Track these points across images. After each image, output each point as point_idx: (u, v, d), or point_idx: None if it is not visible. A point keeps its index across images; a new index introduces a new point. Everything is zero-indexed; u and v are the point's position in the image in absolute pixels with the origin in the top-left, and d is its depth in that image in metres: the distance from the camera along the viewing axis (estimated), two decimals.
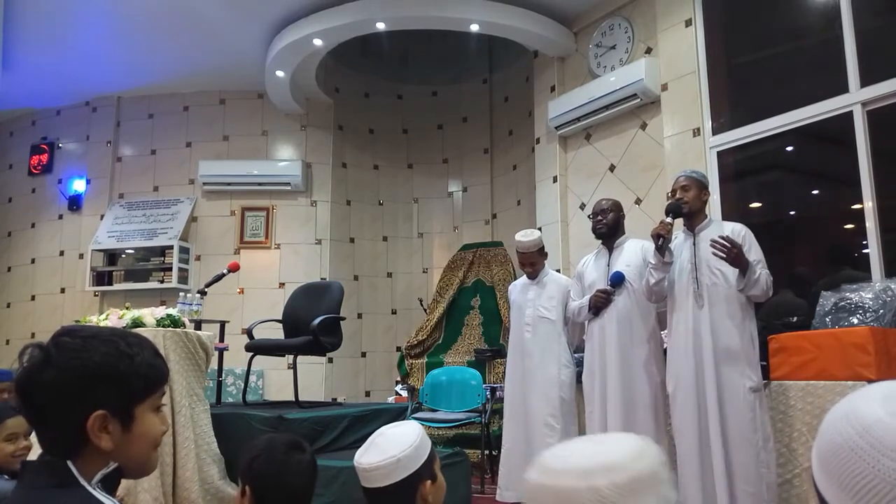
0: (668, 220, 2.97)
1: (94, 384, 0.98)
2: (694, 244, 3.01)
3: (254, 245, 6.81)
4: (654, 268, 3.01)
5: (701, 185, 3.05)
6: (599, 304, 3.35)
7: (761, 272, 2.80)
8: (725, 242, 2.76)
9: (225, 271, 4.24)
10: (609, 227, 3.44)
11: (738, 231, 2.95)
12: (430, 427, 4.76)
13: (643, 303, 3.29)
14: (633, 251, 3.39)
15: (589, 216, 3.61)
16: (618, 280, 3.31)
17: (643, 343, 3.27)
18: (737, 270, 2.83)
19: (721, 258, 2.80)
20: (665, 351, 3.19)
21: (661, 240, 2.94)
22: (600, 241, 3.54)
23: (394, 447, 1.52)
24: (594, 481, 0.70)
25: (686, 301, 2.97)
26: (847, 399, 0.71)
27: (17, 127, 7.73)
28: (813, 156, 4.47)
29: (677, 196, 3.05)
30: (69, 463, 0.97)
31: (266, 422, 3.34)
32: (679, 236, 3.12)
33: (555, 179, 5.64)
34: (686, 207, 3.01)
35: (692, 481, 2.87)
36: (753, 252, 2.89)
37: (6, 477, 2.09)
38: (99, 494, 0.96)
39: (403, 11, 5.33)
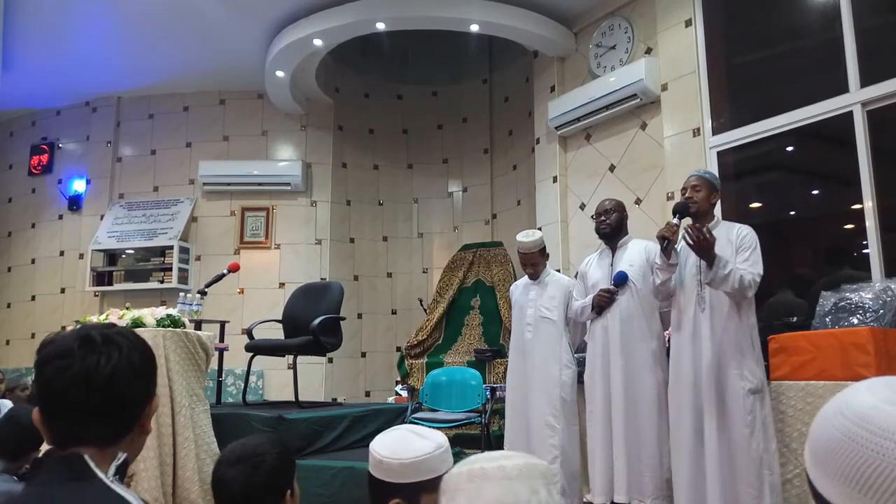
0: (675, 221, 2.94)
1: (154, 366, 1.08)
2: None
3: (254, 245, 6.81)
4: (660, 269, 3.01)
5: (712, 187, 3.00)
6: (602, 303, 3.35)
7: (733, 270, 2.73)
8: (697, 232, 2.73)
9: (225, 271, 4.24)
10: (613, 228, 3.44)
11: (740, 232, 2.92)
12: (430, 427, 4.76)
13: (646, 302, 3.29)
14: (637, 251, 3.39)
15: (592, 216, 3.61)
16: (621, 280, 3.32)
17: (646, 343, 3.27)
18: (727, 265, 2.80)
19: (688, 244, 2.78)
20: (668, 350, 3.19)
21: (667, 242, 2.92)
22: (603, 241, 3.54)
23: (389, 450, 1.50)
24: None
25: (689, 303, 2.96)
26: (833, 400, 0.70)
27: (17, 127, 7.73)
28: (813, 156, 4.47)
29: (686, 195, 3.01)
30: (86, 457, 0.98)
31: (266, 422, 3.34)
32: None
33: (555, 179, 5.64)
34: (694, 208, 2.96)
35: (684, 481, 2.89)
36: (748, 253, 2.85)
37: (15, 478, 2.08)
38: (117, 487, 0.98)
39: (403, 11, 5.33)
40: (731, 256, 2.83)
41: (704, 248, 2.73)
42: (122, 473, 1.03)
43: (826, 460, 0.66)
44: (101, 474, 0.98)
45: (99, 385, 0.97)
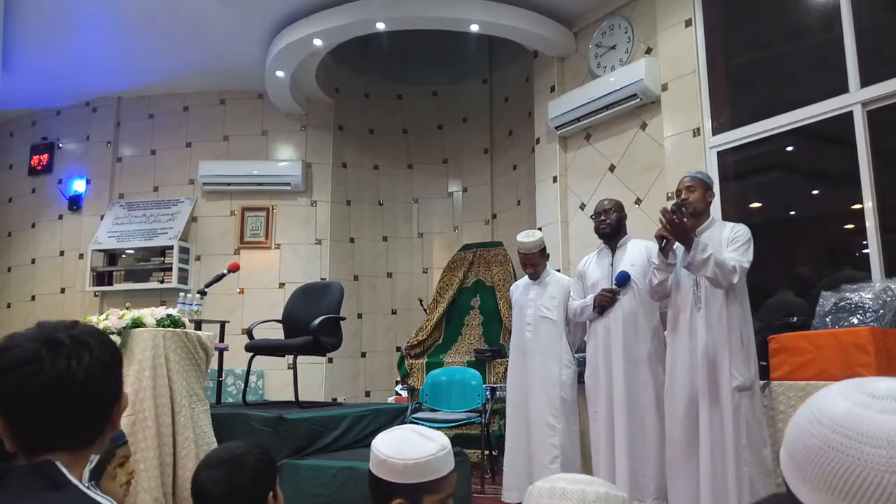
0: None
1: (122, 362, 1.03)
2: None
3: (254, 245, 6.81)
4: (658, 268, 3.01)
5: (706, 187, 3.03)
6: (605, 303, 3.35)
7: (713, 255, 2.73)
8: (673, 215, 2.74)
9: (225, 271, 4.24)
10: (612, 228, 3.45)
11: (734, 228, 2.96)
12: (430, 427, 4.76)
13: (648, 303, 3.29)
14: (638, 251, 3.40)
15: (591, 216, 3.61)
16: (624, 279, 3.32)
17: (648, 342, 3.28)
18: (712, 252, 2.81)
19: (666, 229, 2.79)
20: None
21: (665, 241, 2.93)
22: (602, 241, 3.55)
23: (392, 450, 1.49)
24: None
25: (686, 302, 2.98)
26: (804, 407, 0.69)
27: (17, 127, 7.73)
28: (813, 156, 4.47)
29: (682, 196, 3.03)
30: (58, 464, 0.93)
31: (266, 422, 3.34)
32: None
33: (555, 179, 5.64)
34: (690, 208, 2.98)
35: (680, 478, 2.91)
36: (738, 244, 2.87)
37: None
38: (94, 494, 0.94)
39: (403, 11, 5.33)
40: (723, 254, 2.85)
41: (680, 230, 2.74)
42: (98, 476, 1.01)
43: (805, 469, 0.65)
44: (75, 481, 0.93)
45: (73, 389, 0.93)
